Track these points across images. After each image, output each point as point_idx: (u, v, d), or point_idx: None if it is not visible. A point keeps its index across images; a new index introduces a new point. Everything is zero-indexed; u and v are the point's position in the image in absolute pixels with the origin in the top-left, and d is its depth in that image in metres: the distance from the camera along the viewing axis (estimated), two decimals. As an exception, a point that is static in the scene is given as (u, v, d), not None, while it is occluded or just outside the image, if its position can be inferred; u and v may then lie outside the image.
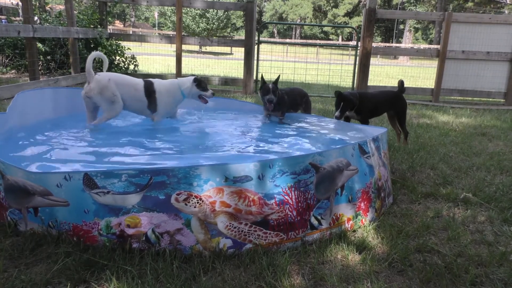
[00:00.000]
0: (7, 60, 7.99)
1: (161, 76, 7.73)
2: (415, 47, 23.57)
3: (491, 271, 1.92)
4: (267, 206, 1.98)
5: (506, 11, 36.26)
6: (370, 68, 7.78)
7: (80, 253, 1.84)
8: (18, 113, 3.27)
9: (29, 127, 3.26)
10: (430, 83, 8.76)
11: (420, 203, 2.76)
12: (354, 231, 2.28)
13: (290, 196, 2.03)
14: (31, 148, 2.80)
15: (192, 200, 1.88)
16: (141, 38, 9.69)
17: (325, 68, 10.42)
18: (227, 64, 14.65)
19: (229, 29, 31.67)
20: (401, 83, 4.02)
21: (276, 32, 58.82)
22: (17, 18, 9.14)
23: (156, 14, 45.13)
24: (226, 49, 24.05)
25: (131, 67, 8.30)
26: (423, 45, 38.25)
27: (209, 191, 1.91)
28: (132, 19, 52.27)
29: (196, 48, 23.46)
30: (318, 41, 42.17)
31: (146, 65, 10.95)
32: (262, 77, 3.84)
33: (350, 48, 21.16)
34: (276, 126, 3.79)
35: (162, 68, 10.67)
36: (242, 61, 7.73)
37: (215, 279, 1.75)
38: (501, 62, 7.52)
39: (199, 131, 3.64)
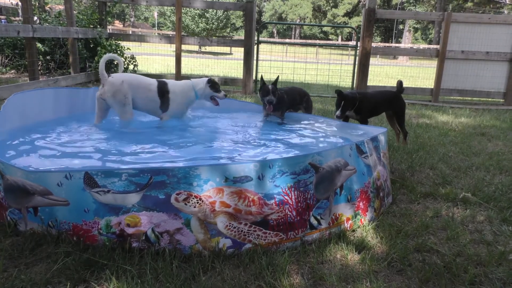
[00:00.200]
0: (6, 60, 7.99)
1: (160, 76, 7.74)
2: (414, 47, 23.59)
3: (490, 270, 1.92)
4: (267, 206, 1.98)
5: (506, 11, 36.29)
6: (370, 68, 7.78)
7: (80, 253, 1.84)
8: (18, 113, 3.27)
9: (29, 127, 3.26)
10: (430, 83, 8.78)
11: (419, 202, 2.76)
12: (353, 230, 2.28)
13: (290, 196, 2.03)
14: (31, 148, 2.80)
15: (191, 200, 1.89)
16: (140, 38, 9.69)
17: (325, 68, 10.43)
18: (226, 64, 14.65)
19: (229, 29, 31.66)
20: (399, 83, 4.03)
21: (275, 32, 58.82)
22: (17, 18, 9.14)
23: (155, 14, 45.12)
24: (226, 49, 24.04)
25: (131, 67, 8.30)
26: (423, 45, 38.28)
27: (209, 191, 1.91)
28: (132, 19, 52.27)
29: (196, 48, 23.45)
30: (317, 41, 42.18)
31: (146, 65, 10.95)
32: (262, 78, 3.85)
33: (349, 48, 21.16)
34: (276, 126, 3.79)
35: (161, 68, 10.67)
36: (242, 61, 7.73)
37: (215, 279, 1.75)
38: (500, 62, 7.53)
39: (198, 131, 3.64)
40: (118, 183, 1.87)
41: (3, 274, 1.72)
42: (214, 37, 18.61)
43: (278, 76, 3.91)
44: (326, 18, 53.52)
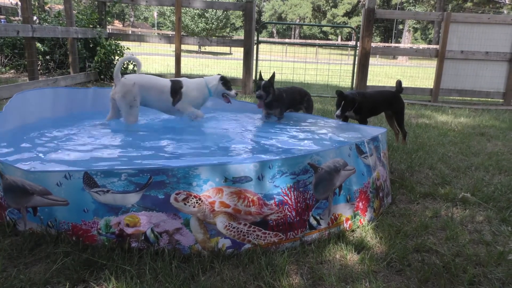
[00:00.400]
0: (6, 60, 7.98)
1: (160, 76, 7.73)
2: (414, 47, 23.60)
3: (489, 270, 1.92)
4: (267, 207, 1.98)
5: (505, 11, 36.31)
6: (369, 68, 7.79)
7: (79, 253, 1.84)
8: (18, 112, 3.27)
9: (28, 127, 3.26)
10: (429, 83, 8.78)
11: (418, 203, 2.76)
12: (353, 231, 2.28)
13: (290, 197, 2.03)
14: (30, 148, 2.80)
15: (191, 200, 1.89)
16: (140, 38, 9.69)
17: (324, 68, 10.44)
18: (226, 64, 14.66)
19: (228, 29, 31.68)
20: (399, 83, 4.03)
21: (275, 32, 58.84)
22: (16, 18, 9.13)
23: (155, 14, 45.12)
24: (225, 49, 24.05)
25: (130, 67, 8.30)
26: (422, 45, 38.30)
27: (208, 191, 1.91)
28: (131, 19, 52.26)
29: (195, 48, 23.45)
30: (317, 41, 42.15)
31: (145, 65, 10.94)
32: (259, 74, 3.83)
33: (349, 48, 21.16)
34: (275, 126, 3.79)
35: (161, 68, 10.67)
36: (241, 61, 7.74)
37: (214, 279, 1.75)
38: (499, 62, 7.54)
39: (198, 131, 3.64)
40: (118, 183, 1.87)
41: (2, 274, 1.71)
42: (213, 37, 18.60)
43: (273, 73, 3.79)
44: (326, 18, 53.55)
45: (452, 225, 2.39)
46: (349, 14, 52.59)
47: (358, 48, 7.78)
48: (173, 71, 7.90)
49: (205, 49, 23.22)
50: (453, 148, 4.22)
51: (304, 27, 56.48)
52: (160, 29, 38.33)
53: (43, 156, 2.64)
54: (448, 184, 3.12)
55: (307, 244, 2.09)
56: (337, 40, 47.64)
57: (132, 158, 2.71)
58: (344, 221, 2.25)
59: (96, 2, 8.03)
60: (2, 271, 1.73)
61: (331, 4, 53.68)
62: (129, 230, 1.89)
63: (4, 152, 2.65)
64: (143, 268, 1.78)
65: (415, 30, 50.48)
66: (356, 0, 51.31)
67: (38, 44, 7.29)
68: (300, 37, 55.01)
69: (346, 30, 49.76)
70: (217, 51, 23.09)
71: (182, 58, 7.82)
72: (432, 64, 11.81)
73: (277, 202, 2.00)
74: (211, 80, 3.69)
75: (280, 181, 2.01)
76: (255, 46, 7.81)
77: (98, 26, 7.81)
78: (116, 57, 8.04)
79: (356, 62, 7.93)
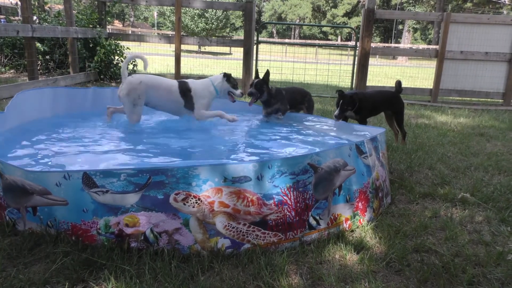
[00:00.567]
0: (6, 60, 7.98)
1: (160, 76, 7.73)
2: (413, 48, 23.62)
3: (488, 271, 1.93)
4: (266, 207, 1.99)
5: (505, 12, 36.32)
6: (369, 68, 7.79)
7: (78, 253, 1.84)
8: (17, 112, 3.27)
9: (28, 127, 3.26)
10: (429, 84, 8.78)
11: (418, 203, 2.76)
12: (352, 231, 2.28)
13: (289, 197, 2.03)
14: (30, 148, 2.80)
15: (190, 200, 1.89)
16: (140, 38, 9.69)
17: (324, 68, 10.44)
18: (226, 64, 14.66)
19: (228, 29, 31.68)
20: (398, 83, 4.03)
21: (275, 32, 58.84)
22: (16, 18, 9.13)
23: (155, 14, 45.10)
24: (225, 49, 24.06)
25: (130, 67, 8.30)
26: (422, 46, 38.31)
27: (207, 191, 1.91)
28: (131, 19, 52.26)
29: (195, 48, 23.46)
30: (317, 41, 42.17)
31: (145, 65, 10.92)
32: (256, 73, 3.82)
33: (349, 48, 21.15)
34: (275, 126, 3.79)
35: (161, 68, 10.67)
36: (241, 61, 7.74)
37: (213, 279, 1.76)
38: (499, 63, 7.54)
39: (198, 131, 3.64)
40: (117, 183, 1.87)
41: (2, 274, 1.71)
42: (213, 37, 18.60)
43: (267, 70, 3.72)
44: (326, 18, 53.54)
45: (452, 225, 2.39)
46: (349, 14, 52.59)
47: (357, 48, 7.78)
48: (173, 71, 7.90)
49: (205, 49, 23.23)
50: (452, 148, 4.22)
51: (304, 27, 56.48)
52: (160, 29, 38.33)
53: (42, 156, 2.64)
54: (447, 184, 3.13)
55: (307, 244, 2.09)
56: (337, 40, 47.63)
57: (132, 158, 2.71)
58: (344, 221, 2.25)
59: (96, 2, 8.03)
60: (1, 271, 1.73)
61: (331, 4, 53.67)
62: (128, 230, 1.89)
63: (4, 151, 2.65)
64: (142, 268, 1.78)
65: (415, 30, 50.49)
66: (356, 0, 51.32)
67: (38, 44, 7.30)
68: (300, 37, 55.03)
69: (346, 30, 49.77)
70: (217, 51, 23.09)
71: (182, 58, 7.83)
72: (432, 64, 11.82)
73: (276, 202, 2.00)
74: (216, 78, 3.70)
75: (280, 181, 2.01)
76: (254, 46, 7.81)
77: (98, 26, 7.81)
78: (116, 57, 8.04)
79: (355, 62, 7.93)
